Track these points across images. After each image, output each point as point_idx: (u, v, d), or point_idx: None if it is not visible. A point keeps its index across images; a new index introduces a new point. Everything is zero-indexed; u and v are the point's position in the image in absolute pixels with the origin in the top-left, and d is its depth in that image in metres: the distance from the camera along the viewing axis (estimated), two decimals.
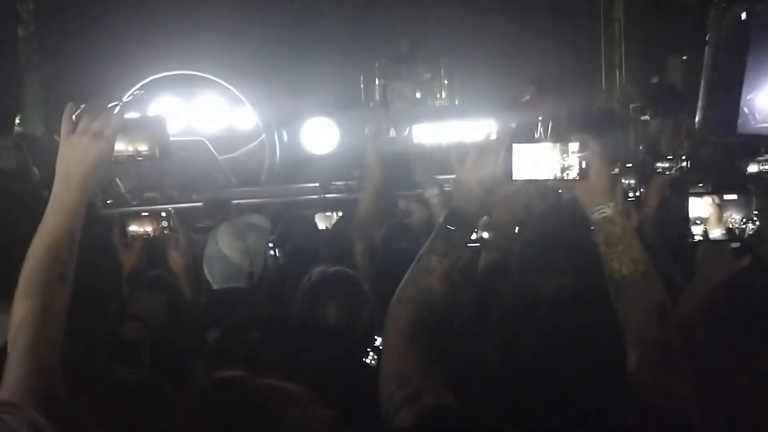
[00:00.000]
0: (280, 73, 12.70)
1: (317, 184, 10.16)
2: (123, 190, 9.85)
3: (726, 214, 2.22)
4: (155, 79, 11.40)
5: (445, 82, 13.33)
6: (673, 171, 4.30)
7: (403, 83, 12.72)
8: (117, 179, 8.73)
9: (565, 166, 1.66)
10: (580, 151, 1.65)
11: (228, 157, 12.08)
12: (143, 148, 1.49)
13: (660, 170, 4.31)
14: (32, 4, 12.42)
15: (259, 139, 12.36)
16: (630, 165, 4.31)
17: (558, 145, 1.67)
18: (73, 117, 1.49)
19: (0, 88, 11.79)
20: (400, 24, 13.53)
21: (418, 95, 12.90)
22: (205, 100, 12.30)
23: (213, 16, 12.49)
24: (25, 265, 1.43)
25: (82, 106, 1.50)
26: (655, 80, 12.41)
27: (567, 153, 1.66)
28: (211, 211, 5.18)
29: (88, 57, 11.97)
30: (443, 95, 13.33)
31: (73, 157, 1.45)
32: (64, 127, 1.46)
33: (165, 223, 2.87)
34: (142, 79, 11.05)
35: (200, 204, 6.11)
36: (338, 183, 10.59)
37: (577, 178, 1.65)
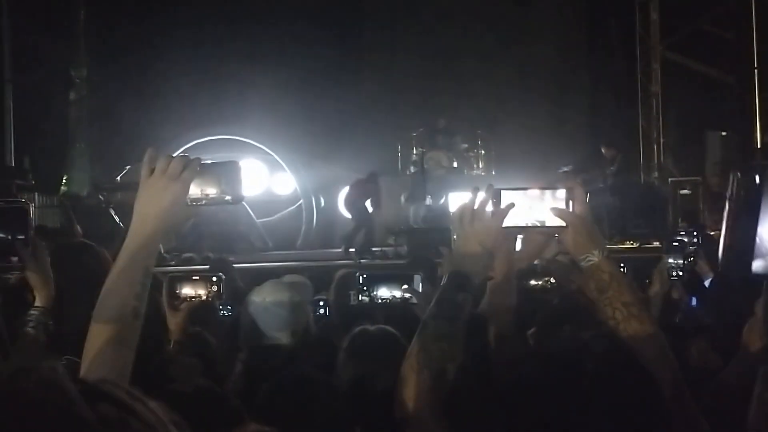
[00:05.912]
0: (319, 140, 12.94)
1: (353, 250, 10.23)
2: (162, 251, 9.99)
3: None
4: (199, 142, 11.68)
5: (482, 152, 13.43)
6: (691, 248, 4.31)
7: (440, 152, 12.80)
8: None
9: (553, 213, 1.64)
10: (566, 198, 1.65)
11: (266, 220, 12.24)
12: (216, 191, 1.53)
13: (677, 243, 4.34)
14: (85, 70, 12.88)
15: (297, 203, 12.53)
16: (676, 243, 4.19)
17: (546, 192, 1.66)
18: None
19: (50, 150, 12.16)
20: (439, 95, 13.76)
21: (455, 164, 12.96)
22: (245, 164, 12.53)
23: (256, 85, 12.84)
24: (100, 297, 1.49)
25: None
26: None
27: (555, 200, 1.65)
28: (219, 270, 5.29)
29: (134, 121, 12.34)
30: (480, 165, 13.42)
31: (149, 198, 1.50)
32: (144, 170, 1.51)
33: (215, 288, 2.89)
34: (187, 143, 11.33)
35: (207, 267, 6.22)
36: (374, 249, 10.65)
37: (564, 225, 1.64)
